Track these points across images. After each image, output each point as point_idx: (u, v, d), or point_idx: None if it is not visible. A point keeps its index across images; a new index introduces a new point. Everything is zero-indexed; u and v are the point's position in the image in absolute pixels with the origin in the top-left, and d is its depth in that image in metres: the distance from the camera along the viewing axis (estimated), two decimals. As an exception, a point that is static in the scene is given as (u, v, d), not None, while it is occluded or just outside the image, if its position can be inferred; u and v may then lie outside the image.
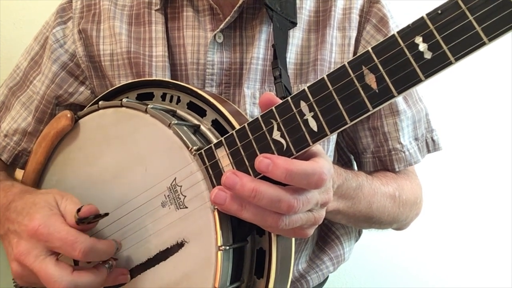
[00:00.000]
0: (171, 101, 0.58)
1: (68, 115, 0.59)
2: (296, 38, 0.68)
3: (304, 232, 0.47)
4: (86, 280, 0.49)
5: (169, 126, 0.50)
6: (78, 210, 0.49)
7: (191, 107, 0.56)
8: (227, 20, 0.64)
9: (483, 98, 1.62)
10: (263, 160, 0.42)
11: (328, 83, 0.41)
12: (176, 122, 0.50)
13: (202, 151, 0.47)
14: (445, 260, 1.72)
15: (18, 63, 0.75)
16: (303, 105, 0.42)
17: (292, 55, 0.67)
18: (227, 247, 0.46)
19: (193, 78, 0.67)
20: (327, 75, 0.41)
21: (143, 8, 0.69)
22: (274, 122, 0.43)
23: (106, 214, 0.51)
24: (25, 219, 0.52)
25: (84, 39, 0.70)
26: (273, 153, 0.43)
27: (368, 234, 0.87)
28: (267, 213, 0.43)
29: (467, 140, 1.60)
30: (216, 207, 0.45)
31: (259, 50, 0.66)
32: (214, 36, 0.65)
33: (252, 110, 0.66)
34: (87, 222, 0.49)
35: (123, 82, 0.63)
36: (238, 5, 0.63)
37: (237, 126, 0.48)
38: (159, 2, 0.67)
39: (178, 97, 0.58)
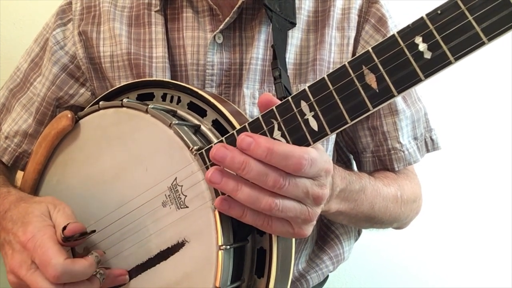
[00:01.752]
0: (171, 101, 0.58)
1: (69, 115, 0.59)
2: (295, 38, 0.68)
3: (302, 231, 0.47)
4: None
5: (170, 126, 0.50)
6: (64, 228, 0.49)
7: (192, 107, 0.56)
8: (226, 20, 0.64)
9: (483, 97, 1.63)
10: (245, 138, 0.42)
11: (329, 83, 0.41)
12: (176, 122, 0.50)
13: (203, 150, 0.47)
14: (445, 260, 1.73)
15: (18, 64, 0.75)
16: (304, 105, 0.42)
17: (291, 55, 0.67)
18: (228, 247, 0.46)
19: (193, 79, 0.67)
20: (327, 75, 0.42)
21: (142, 9, 0.69)
22: (275, 122, 0.44)
23: (93, 232, 0.51)
24: (19, 230, 0.52)
25: (84, 41, 0.70)
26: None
27: (368, 234, 0.87)
28: (261, 195, 0.43)
29: (467, 139, 1.61)
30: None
31: (259, 51, 0.66)
32: (214, 37, 0.65)
33: (251, 110, 0.66)
34: (73, 240, 0.49)
35: (124, 83, 0.64)
36: (237, 6, 0.63)
37: (238, 126, 0.48)
38: (159, 3, 0.67)
39: (179, 97, 0.58)
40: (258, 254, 0.50)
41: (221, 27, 0.65)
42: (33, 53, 0.74)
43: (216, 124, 0.53)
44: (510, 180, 1.64)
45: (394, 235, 1.52)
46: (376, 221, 0.67)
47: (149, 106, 0.53)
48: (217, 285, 0.45)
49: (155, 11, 0.69)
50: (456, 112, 1.59)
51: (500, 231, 1.67)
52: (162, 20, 0.68)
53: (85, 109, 0.60)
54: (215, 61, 0.66)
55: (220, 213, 0.46)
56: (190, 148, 0.48)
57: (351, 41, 0.69)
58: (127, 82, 0.62)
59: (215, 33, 0.65)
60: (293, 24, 0.65)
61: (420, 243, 1.68)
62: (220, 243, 0.45)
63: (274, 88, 0.56)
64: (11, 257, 0.51)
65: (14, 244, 0.52)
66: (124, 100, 0.55)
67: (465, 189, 1.65)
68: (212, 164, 0.47)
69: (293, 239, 0.52)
